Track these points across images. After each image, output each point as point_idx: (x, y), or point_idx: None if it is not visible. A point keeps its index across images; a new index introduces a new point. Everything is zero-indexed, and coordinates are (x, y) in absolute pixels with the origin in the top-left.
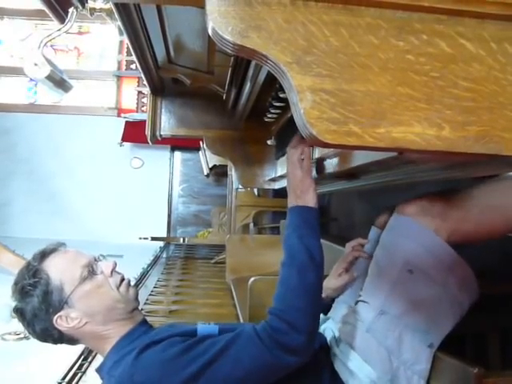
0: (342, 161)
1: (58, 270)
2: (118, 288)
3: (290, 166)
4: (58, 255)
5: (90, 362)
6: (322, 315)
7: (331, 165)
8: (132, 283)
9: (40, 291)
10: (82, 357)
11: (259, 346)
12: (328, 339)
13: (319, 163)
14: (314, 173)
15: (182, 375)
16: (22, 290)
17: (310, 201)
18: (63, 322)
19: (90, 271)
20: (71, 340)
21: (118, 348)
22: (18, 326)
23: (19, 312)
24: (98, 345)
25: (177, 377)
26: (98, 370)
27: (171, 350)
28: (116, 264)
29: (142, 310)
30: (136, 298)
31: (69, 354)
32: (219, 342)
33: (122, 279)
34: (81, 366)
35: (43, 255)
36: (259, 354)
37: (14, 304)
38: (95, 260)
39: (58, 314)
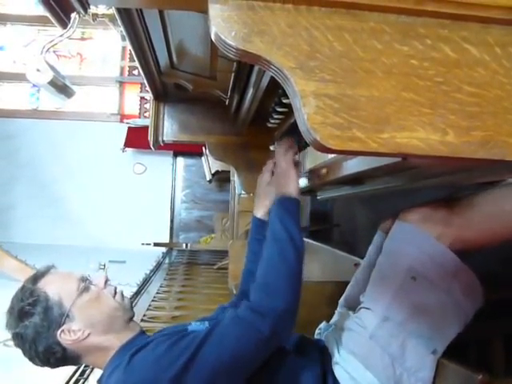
0: (344, 166)
1: (54, 287)
2: (114, 297)
3: (277, 158)
4: (50, 275)
5: (93, 369)
6: (324, 323)
7: (334, 170)
8: (125, 294)
9: (40, 308)
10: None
11: (240, 323)
12: (330, 347)
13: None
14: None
15: (172, 370)
16: (21, 312)
17: (291, 190)
18: (66, 335)
19: (87, 283)
20: (73, 357)
21: (116, 358)
22: None
23: (19, 336)
24: (99, 358)
25: (168, 372)
26: (99, 382)
27: (159, 348)
28: (108, 277)
29: (144, 315)
30: (131, 308)
31: None
32: (203, 332)
33: (115, 290)
34: (83, 372)
35: (36, 278)
36: (241, 332)
37: (10, 332)
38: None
39: (61, 328)
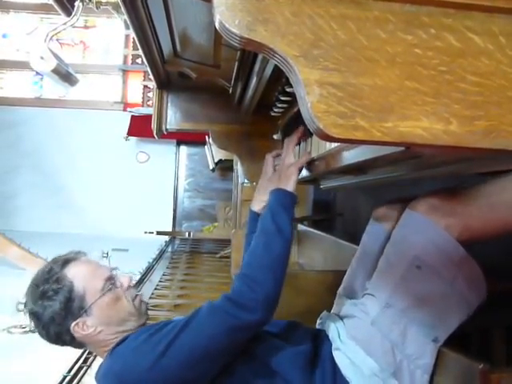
0: (347, 155)
1: (81, 280)
2: (133, 301)
3: (284, 153)
4: (80, 264)
5: (96, 356)
6: (325, 312)
7: (337, 159)
8: (143, 299)
9: (62, 297)
10: (88, 350)
11: (216, 312)
12: (330, 335)
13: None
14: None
15: (152, 355)
16: (44, 294)
17: (289, 186)
18: (79, 329)
19: (112, 284)
20: (79, 345)
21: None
22: (23, 319)
23: (35, 315)
24: (102, 350)
25: (149, 357)
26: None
27: (141, 337)
28: (132, 278)
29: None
30: (146, 313)
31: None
32: (181, 321)
33: (136, 295)
34: (86, 359)
35: (65, 262)
36: (218, 320)
37: (28, 305)
38: (113, 270)
39: (76, 321)
